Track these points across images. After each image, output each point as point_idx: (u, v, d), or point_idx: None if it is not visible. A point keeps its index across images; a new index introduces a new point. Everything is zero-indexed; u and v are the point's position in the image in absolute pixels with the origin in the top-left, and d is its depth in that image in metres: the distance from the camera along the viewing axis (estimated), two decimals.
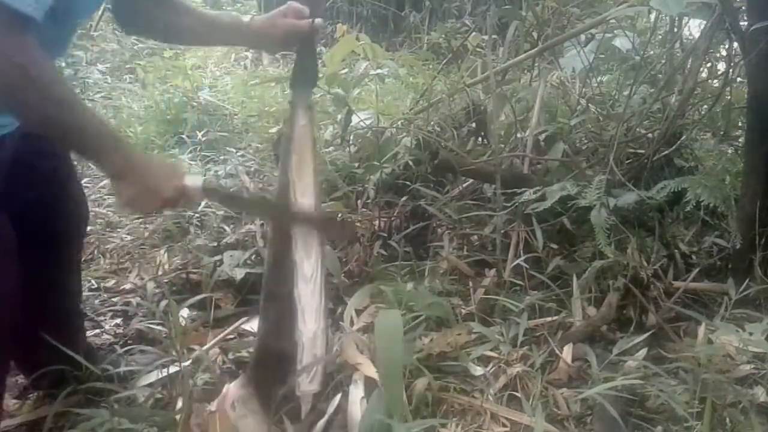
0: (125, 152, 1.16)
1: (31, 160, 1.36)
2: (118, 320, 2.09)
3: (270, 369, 1.39)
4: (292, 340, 1.35)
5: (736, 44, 2.24)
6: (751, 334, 1.55)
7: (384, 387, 1.37)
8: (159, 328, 1.91)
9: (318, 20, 1.43)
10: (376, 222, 2.46)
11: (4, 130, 1.23)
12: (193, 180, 1.26)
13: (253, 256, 2.24)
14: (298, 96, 1.44)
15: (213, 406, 1.38)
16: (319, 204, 1.44)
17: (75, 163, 1.63)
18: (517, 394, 1.57)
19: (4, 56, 0.98)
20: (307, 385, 1.34)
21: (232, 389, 1.41)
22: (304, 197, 1.37)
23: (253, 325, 1.96)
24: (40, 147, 1.38)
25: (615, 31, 2.79)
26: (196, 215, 2.74)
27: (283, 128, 1.56)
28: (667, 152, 2.42)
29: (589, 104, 2.89)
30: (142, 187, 1.18)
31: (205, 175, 3.11)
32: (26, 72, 1.00)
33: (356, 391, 1.48)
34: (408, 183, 2.54)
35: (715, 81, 3.05)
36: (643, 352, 1.71)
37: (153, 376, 1.66)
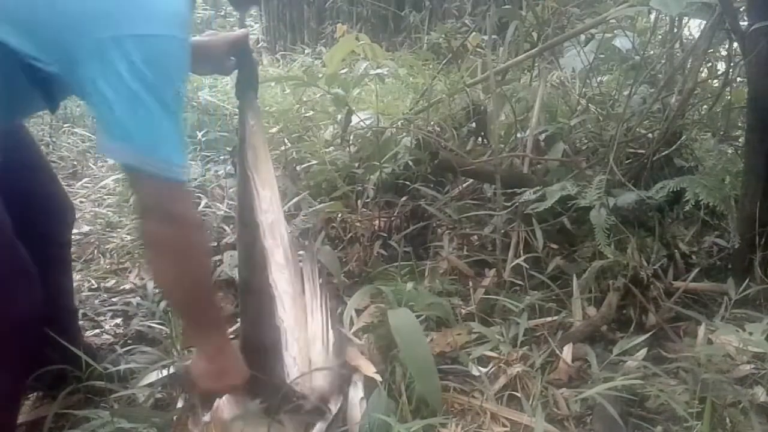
0: (225, 338, 1.28)
1: (12, 162, 1.35)
2: (118, 320, 2.09)
3: (256, 361, 1.40)
4: (274, 329, 1.40)
5: (736, 44, 2.24)
6: (751, 334, 1.55)
7: (419, 382, 1.44)
8: (159, 328, 1.91)
9: (243, 30, 1.54)
10: (376, 222, 2.46)
11: None
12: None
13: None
14: (244, 101, 1.56)
15: (207, 417, 1.39)
16: (278, 194, 1.53)
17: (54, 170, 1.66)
18: (517, 394, 1.57)
19: (176, 214, 1.11)
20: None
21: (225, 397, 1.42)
22: (265, 189, 1.48)
23: None
24: (18, 147, 1.39)
25: (615, 31, 2.79)
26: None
27: (236, 135, 1.67)
28: (667, 152, 2.41)
29: (589, 104, 2.88)
30: (217, 372, 1.26)
31: (204, 175, 3.11)
32: (189, 235, 1.14)
33: (356, 392, 1.48)
34: (408, 183, 2.54)
35: (715, 81, 3.04)
36: (643, 352, 1.71)
37: (153, 376, 1.66)
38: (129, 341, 1.93)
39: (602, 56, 3.06)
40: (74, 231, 1.83)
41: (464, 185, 2.65)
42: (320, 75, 2.69)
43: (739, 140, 2.59)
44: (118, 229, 2.79)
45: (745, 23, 2.06)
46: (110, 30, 1.03)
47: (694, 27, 2.99)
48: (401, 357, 1.56)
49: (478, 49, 3.34)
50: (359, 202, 2.65)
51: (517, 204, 2.16)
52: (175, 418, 1.41)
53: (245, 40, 1.53)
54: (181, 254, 1.14)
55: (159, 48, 1.06)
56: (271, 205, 1.48)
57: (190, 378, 1.27)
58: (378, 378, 1.47)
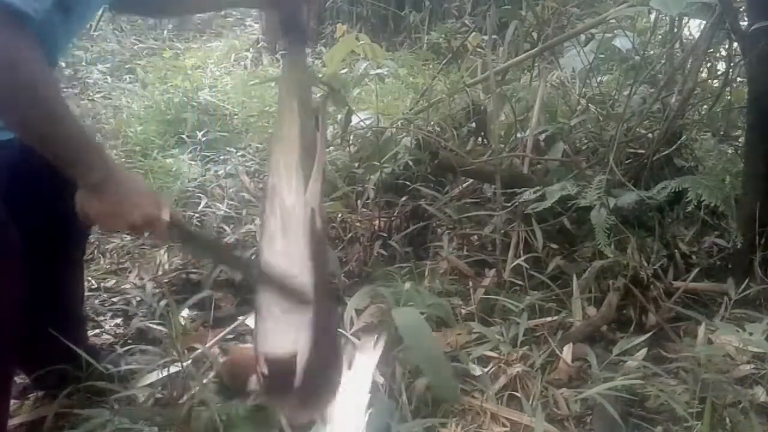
0: (108, 165, 1.10)
1: (32, 164, 1.36)
2: (118, 320, 2.09)
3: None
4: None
5: (736, 44, 2.24)
6: (751, 334, 1.55)
7: (432, 378, 1.44)
8: (159, 328, 1.91)
9: None
10: (376, 222, 2.46)
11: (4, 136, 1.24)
12: (166, 213, 1.18)
13: (253, 256, 2.24)
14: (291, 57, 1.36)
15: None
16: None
17: None
18: (517, 394, 1.57)
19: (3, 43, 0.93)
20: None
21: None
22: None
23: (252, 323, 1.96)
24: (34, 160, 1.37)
25: (615, 31, 2.79)
26: (196, 215, 2.74)
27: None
28: (667, 152, 2.41)
29: (589, 104, 2.89)
30: (112, 204, 1.11)
31: (204, 175, 3.11)
32: (16, 70, 0.95)
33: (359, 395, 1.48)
34: (408, 183, 2.54)
35: (715, 81, 3.05)
36: (643, 352, 1.71)
37: (153, 376, 1.66)
38: (129, 341, 1.93)
39: (602, 56, 3.06)
40: None
41: (464, 185, 2.65)
42: (320, 75, 2.68)
43: (739, 140, 2.60)
44: None
45: (745, 23, 2.06)
46: None
47: (694, 27, 2.99)
48: (403, 356, 1.56)
49: (478, 49, 3.34)
50: (359, 202, 2.65)
51: (517, 204, 2.16)
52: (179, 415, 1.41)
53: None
54: (8, 88, 0.96)
55: None
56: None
57: (86, 217, 1.13)
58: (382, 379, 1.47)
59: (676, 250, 2.18)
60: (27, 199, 1.35)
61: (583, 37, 2.81)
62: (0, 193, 1.25)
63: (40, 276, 1.41)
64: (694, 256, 2.26)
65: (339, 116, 2.84)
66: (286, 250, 1.23)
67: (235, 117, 4.06)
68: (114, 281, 2.35)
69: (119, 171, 1.13)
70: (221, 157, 3.41)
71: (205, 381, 1.62)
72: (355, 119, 2.62)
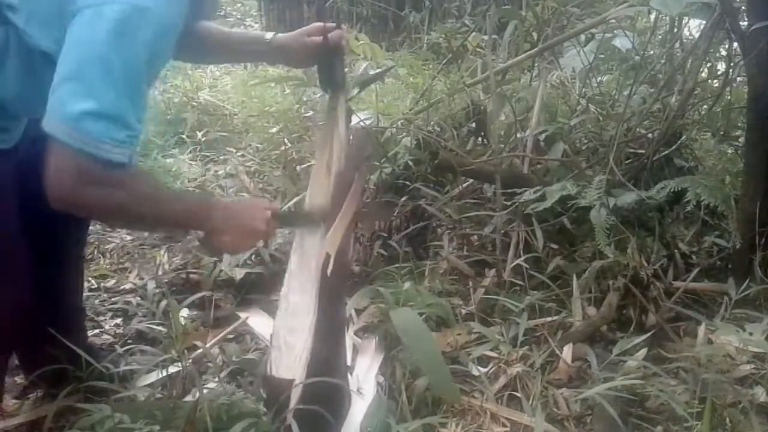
0: (214, 208, 1.25)
1: (35, 164, 1.36)
2: (118, 320, 2.09)
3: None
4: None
5: (736, 44, 2.24)
6: (751, 334, 1.55)
7: (430, 376, 1.46)
8: (159, 328, 1.91)
9: (336, 32, 1.46)
10: (376, 222, 2.46)
11: (10, 144, 1.25)
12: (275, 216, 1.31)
13: (253, 256, 2.24)
14: (334, 97, 1.54)
15: None
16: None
17: None
18: (517, 394, 1.57)
19: (109, 193, 1.09)
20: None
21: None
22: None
23: (253, 323, 1.96)
24: (43, 151, 1.39)
25: (615, 31, 2.79)
26: None
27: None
28: (667, 152, 2.41)
29: (589, 104, 2.88)
30: (233, 236, 1.25)
31: (204, 175, 3.11)
32: (124, 202, 1.12)
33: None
34: (408, 183, 2.54)
35: (715, 81, 3.05)
36: (643, 352, 1.71)
37: (153, 376, 1.66)
38: (129, 341, 1.93)
39: (602, 56, 3.07)
40: None
41: (464, 185, 2.65)
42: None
43: (739, 140, 2.60)
44: (118, 229, 2.79)
45: (745, 23, 2.06)
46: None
47: (694, 27, 3.00)
48: (403, 357, 1.56)
49: (478, 49, 3.34)
50: None
51: (517, 204, 2.16)
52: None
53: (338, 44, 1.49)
54: (119, 212, 1.14)
55: (140, 19, 1.03)
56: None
57: (218, 253, 1.29)
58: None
59: (676, 250, 2.18)
60: (31, 198, 1.35)
61: (583, 37, 2.81)
62: (4, 198, 1.27)
63: (40, 274, 1.42)
64: (694, 256, 2.26)
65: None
66: (300, 287, 1.33)
67: (235, 117, 4.06)
68: (114, 281, 2.35)
69: (223, 205, 1.29)
70: (221, 157, 3.41)
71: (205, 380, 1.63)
72: (355, 119, 2.62)
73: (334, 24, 1.47)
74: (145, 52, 1.06)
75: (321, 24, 1.46)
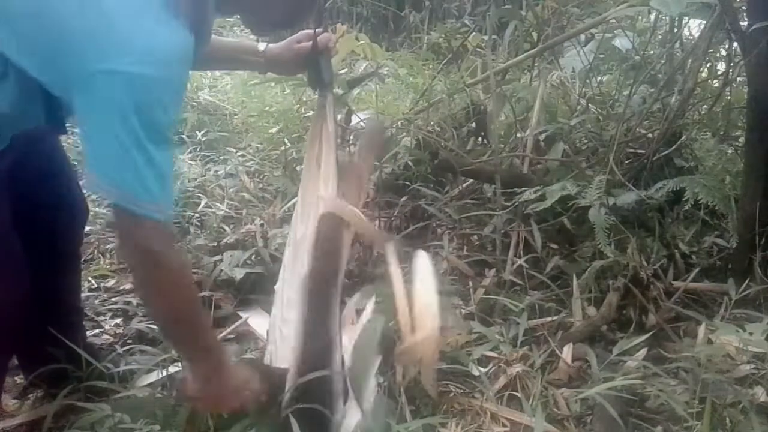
0: (220, 362, 1.22)
1: (32, 163, 1.37)
2: (118, 320, 2.09)
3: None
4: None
5: (736, 44, 2.24)
6: (751, 334, 1.55)
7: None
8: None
9: (324, 35, 1.50)
10: (376, 222, 2.46)
11: (3, 144, 1.25)
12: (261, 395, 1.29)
13: (253, 256, 2.24)
14: (322, 97, 1.56)
15: None
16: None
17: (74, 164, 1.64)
18: (517, 394, 1.57)
19: (144, 251, 1.08)
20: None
21: None
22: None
23: (253, 323, 1.96)
24: (40, 150, 1.39)
25: (615, 31, 2.79)
26: (196, 215, 2.74)
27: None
28: (667, 152, 2.42)
29: (589, 104, 2.88)
30: (213, 395, 1.22)
31: (204, 175, 3.11)
32: (160, 264, 1.09)
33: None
34: (408, 183, 2.54)
35: (715, 81, 3.05)
36: (643, 352, 1.71)
37: (153, 377, 1.66)
38: (129, 341, 1.92)
39: (602, 56, 3.07)
40: None
41: (464, 185, 2.65)
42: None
43: (739, 140, 2.60)
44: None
45: (745, 23, 2.06)
46: (103, 62, 0.99)
47: (694, 27, 3.00)
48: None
49: (478, 49, 3.34)
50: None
51: (517, 204, 2.16)
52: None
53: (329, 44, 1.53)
54: (162, 293, 1.12)
55: (149, 89, 1.03)
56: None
57: (187, 396, 1.25)
58: None
59: (676, 250, 2.18)
60: (27, 197, 1.36)
61: (583, 37, 2.81)
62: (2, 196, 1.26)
63: (40, 271, 1.42)
64: (694, 256, 2.26)
65: (339, 116, 2.84)
66: (292, 278, 1.36)
67: (235, 117, 4.06)
68: (114, 281, 2.35)
69: (227, 367, 1.25)
70: (221, 157, 3.41)
71: None
72: (355, 119, 2.62)
73: (321, 29, 1.51)
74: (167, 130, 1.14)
75: (310, 30, 1.50)
